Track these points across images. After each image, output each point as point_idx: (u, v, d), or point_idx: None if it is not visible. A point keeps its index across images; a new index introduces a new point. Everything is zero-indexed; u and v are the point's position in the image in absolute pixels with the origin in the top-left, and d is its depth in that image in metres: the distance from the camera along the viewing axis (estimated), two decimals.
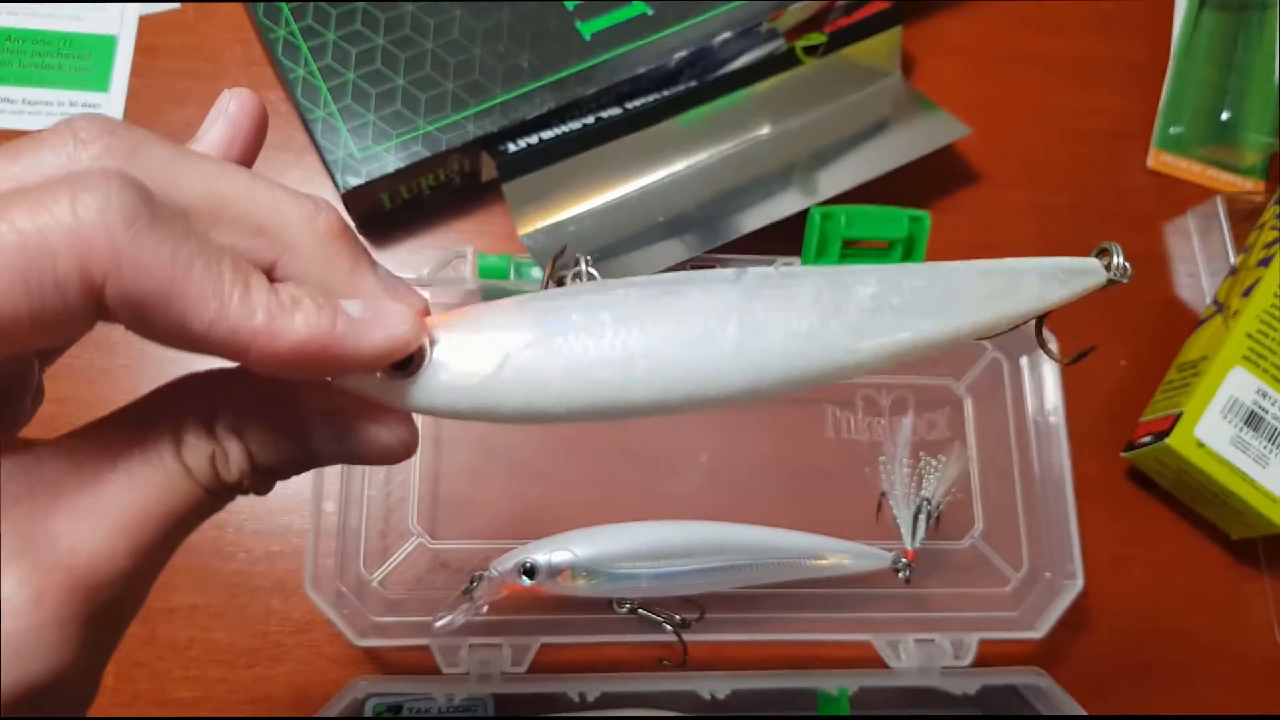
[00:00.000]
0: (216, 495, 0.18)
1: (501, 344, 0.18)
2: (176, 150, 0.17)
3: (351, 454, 0.19)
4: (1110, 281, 0.24)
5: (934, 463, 0.43)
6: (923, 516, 0.42)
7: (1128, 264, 0.23)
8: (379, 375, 0.18)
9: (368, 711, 0.38)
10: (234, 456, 0.18)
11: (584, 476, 0.42)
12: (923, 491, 0.42)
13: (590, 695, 0.38)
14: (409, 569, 0.40)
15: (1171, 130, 0.52)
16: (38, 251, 0.14)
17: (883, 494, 0.43)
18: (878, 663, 0.40)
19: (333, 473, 0.39)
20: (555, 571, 0.37)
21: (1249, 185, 0.51)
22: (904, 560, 0.41)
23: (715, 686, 0.38)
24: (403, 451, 0.19)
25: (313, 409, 0.19)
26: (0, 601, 0.15)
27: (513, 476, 0.42)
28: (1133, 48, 0.54)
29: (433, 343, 0.19)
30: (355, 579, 0.39)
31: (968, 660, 0.40)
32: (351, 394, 0.19)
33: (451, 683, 0.37)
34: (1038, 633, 0.41)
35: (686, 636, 0.39)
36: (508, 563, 0.37)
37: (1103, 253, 0.23)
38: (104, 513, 0.16)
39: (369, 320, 0.17)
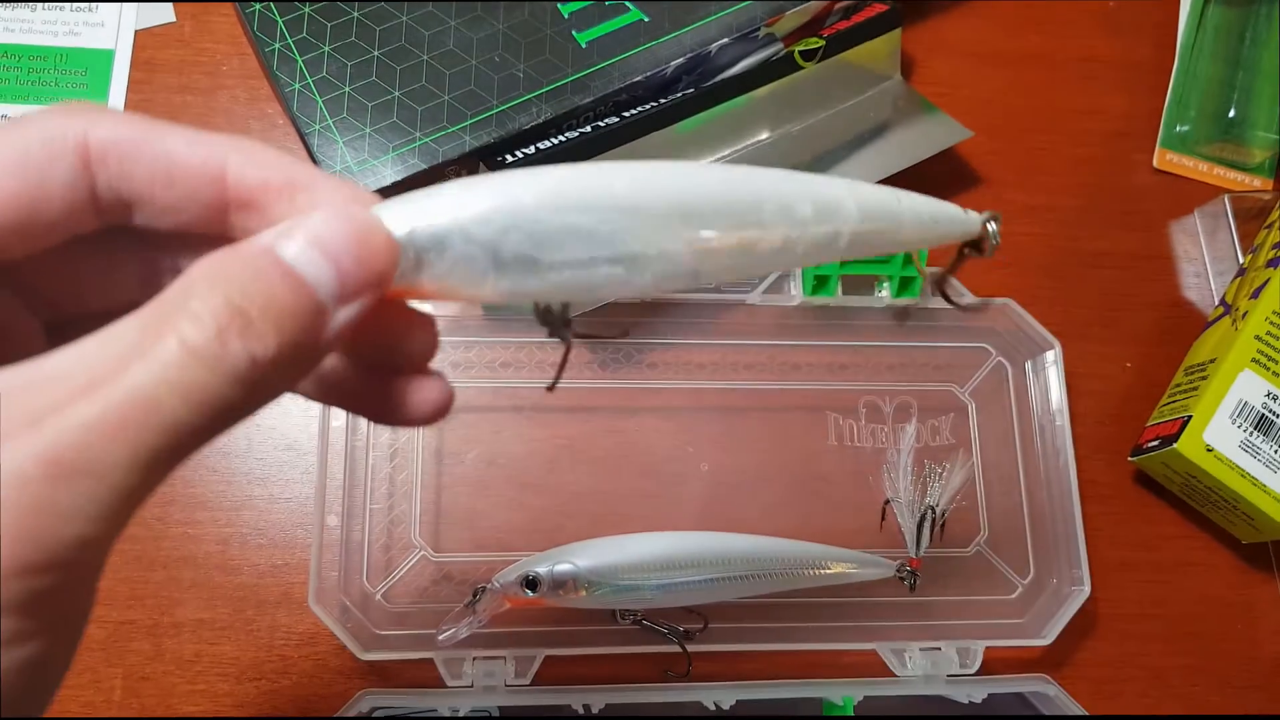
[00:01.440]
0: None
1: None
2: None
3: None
4: (970, 246, 0.27)
5: (938, 470, 0.42)
6: (927, 524, 0.41)
7: (996, 239, 0.26)
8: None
9: None
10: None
11: (586, 487, 0.42)
12: (927, 499, 0.42)
13: (595, 707, 0.38)
14: (412, 582, 0.40)
15: (1177, 129, 0.51)
16: (22, 136, 0.16)
17: (887, 501, 0.43)
18: (883, 671, 0.40)
19: (335, 486, 0.39)
20: (558, 583, 0.37)
21: (1257, 183, 0.51)
22: (909, 568, 0.41)
23: (720, 697, 0.38)
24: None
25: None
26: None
27: (514, 488, 0.42)
28: (1136, 45, 0.53)
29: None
30: (359, 592, 0.39)
31: (974, 668, 0.40)
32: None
33: (456, 695, 0.37)
34: (1045, 640, 0.41)
35: (690, 647, 0.39)
36: (510, 575, 0.37)
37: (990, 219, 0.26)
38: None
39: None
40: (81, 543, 0.14)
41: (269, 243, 0.16)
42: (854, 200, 0.23)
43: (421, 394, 0.21)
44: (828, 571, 0.40)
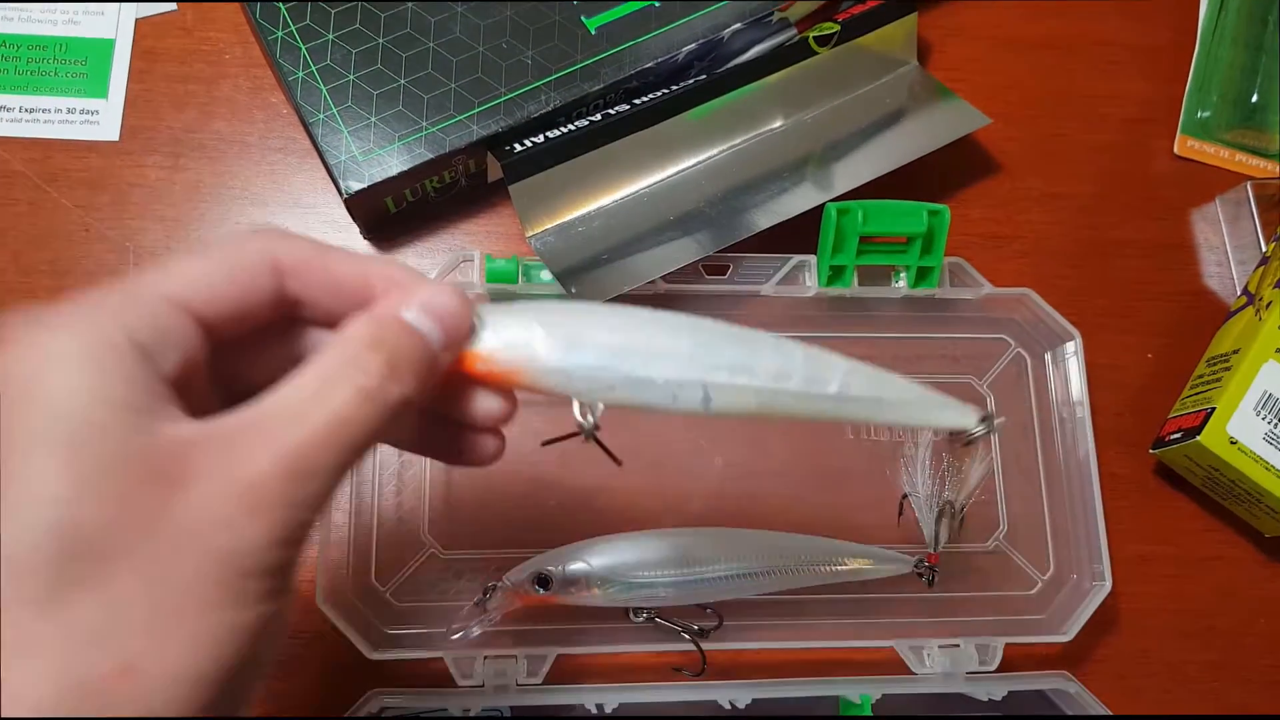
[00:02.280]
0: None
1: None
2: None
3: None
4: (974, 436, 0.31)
5: (956, 465, 0.41)
6: (946, 519, 0.40)
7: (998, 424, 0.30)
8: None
9: None
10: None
11: (597, 483, 0.41)
12: (945, 493, 0.41)
13: (608, 706, 0.37)
14: (422, 580, 0.39)
15: (1198, 114, 0.50)
16: (237, 254, 0.22)
17: (905, 496, 0.42)
18: (901, 669, 0.39)
19: (343, 483, 0.38)
20: (570, 581, 0.36)
21: (1279, 170, 0.50)
22: (927, 564, 0.40)
23: (735, 695, 0.37)
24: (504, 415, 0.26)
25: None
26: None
27: (525, 484, 0.41)
28: (1157, 30, 0.52)
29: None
30: (367, 590, 0.38)
31: (993, 665, 0.39)
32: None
33: (467, 695, 0.37)
34: (1065, 636, 0.40)
35: (705, 645, 0.39)
36: (521, 574, 0.37)
37: (984, 419, 0.28)
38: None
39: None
40: (307, 527, 0.20)
41: (396, 310, 0.23)
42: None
43: (480, 445, 0.27)
44: (844, 568, 0.39)
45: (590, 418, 0.26)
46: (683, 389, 0.25)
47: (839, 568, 0.39)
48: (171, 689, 0.18)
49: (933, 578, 0.40)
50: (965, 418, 0.28)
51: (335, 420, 0.20)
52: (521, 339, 0.24)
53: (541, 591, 0.36)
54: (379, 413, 0.21)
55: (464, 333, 0.24)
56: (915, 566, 0.40)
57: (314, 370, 0.21)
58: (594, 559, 0.36)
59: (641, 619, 0.38)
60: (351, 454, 0.21)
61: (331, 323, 0.23)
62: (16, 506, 0.18)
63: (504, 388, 0.26)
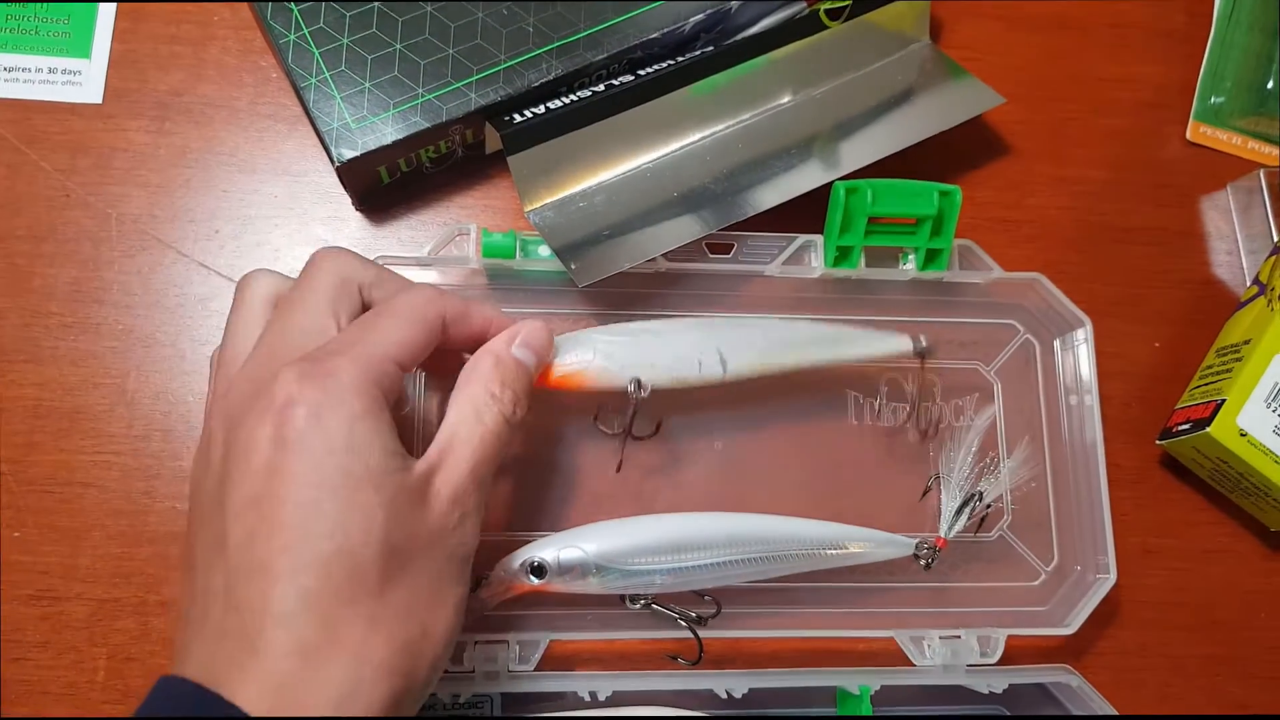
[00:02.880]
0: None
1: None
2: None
3: None
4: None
5: (1000, 461, 0.41)
6: (968, 509, 0.39)
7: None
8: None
9: None
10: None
11: (593, 466, 0.40)
12: (980, 485, 0.40)
13: (601, 693, 0.36)
14: None
15: (1211, 100, 0.49)
16: (425, 317, 0.31)
17: (936, 476, 0.41)
18: (901, 659, 0.39)
19: None
20: (565, 570, 0.35)
21: None
22: (929, 546, 0.39)
23: (731, 684, 0.36)
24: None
25: None
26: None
27: (520, 466, 0.40)
28: (1172, 13, 0.51)
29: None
30: None
31: (995, 657, 0.38)
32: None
33: (456, 681, 0.36)
34: (1069, 629, 0.39)
35: (702, 632, 0.38)
36: (514, 562, 0.35)
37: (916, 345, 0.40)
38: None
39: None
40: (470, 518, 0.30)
41: (509, 350, 0.33)
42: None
43: None
44: (844, 551, 0.38)
45: (642, 392, 0.37)
46: (706, 368, 0.38)
47: (839, 551, 0.38)
48: (442, 645, 0.28)
49: (932, 561, 0.39)
50: (902, 344, 0.40)
51: (493, 440, 0.30)
52: (584, 357, 0.36)
53: (536, 580, 0.35)
54: (512, 431, 0.31)
55: (549, 357, 0.35)
56: (915, 549, 0.39)
57: (470, 405, 0.30)
58: (589, 545, 0.35)
59: (638, 606, 0.37)
60: (500, 461, 0.31)
61: (451, 343, 0.32)
62: (353, 530, 0.26)
63: (576, 389, 0.36)
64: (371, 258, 0.38)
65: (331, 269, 0.31)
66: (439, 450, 0.29)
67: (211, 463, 0.28)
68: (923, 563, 0.39)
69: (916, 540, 0.39)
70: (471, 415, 0.30)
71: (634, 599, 0.37)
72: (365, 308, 0.32)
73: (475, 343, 0.33)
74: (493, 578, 0.35)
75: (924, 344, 0.40)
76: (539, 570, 0.35)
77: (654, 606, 0.37)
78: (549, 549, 0.35)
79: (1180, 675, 0.43)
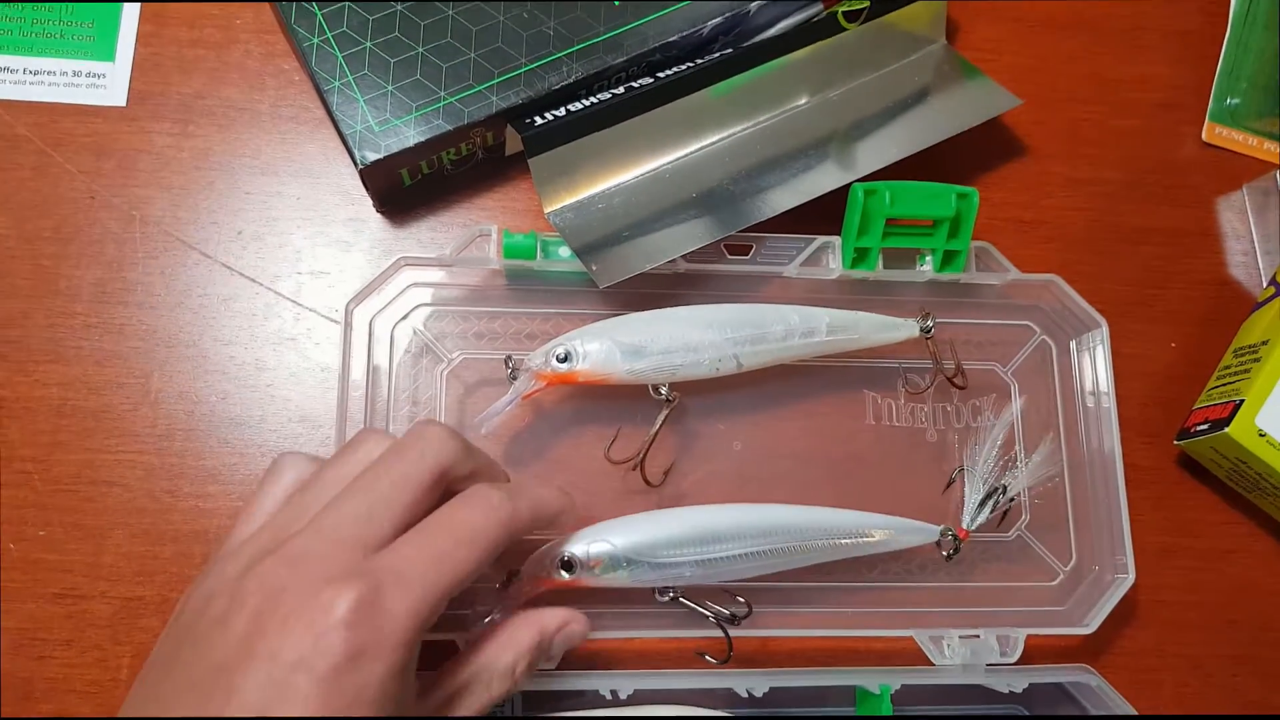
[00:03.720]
0: None
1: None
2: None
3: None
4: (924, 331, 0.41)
5: (1019, 458, 0.41)
6: (991, 501, 0.39)
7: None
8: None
9: None
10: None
11: (610, 467, 0.40)
12: (1005, 479, 0.40)
13: (622, 692, 0.36)
14: None
15: (1227, 101, 0.49)
16: (505, 531, 0.30)
17: (960, 469, 0.41)
18: (921, 659, 0.39)
19: None
20: (593, 563, 0.35)
21: None
22: (953, 535, 0.39)
23: (753, 684, 0.37)
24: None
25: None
26: None
27: (539, 464, 0.40)
28: (1187, 14, 0.51)
29: None
30: None
31: (1014, 656, 0.39)
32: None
33: None
34: (1087, 628, 0.39)
35: (731, 632, 0.38)
36: (545, 557, 0.36)
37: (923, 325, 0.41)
38: None
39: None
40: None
41: (554, 633, 0.33)
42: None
43: None
44: (869, 540, 0.38)
45: (663, 392, 0.38)
46: (721, 363, 0.39)
47: (863, 540, 0.38)
48: None
49: (955, 552, 0.39)
50: (910, 329, 0.41)
51: (504, 692, 0.31)
52: (606, 359, 0.37)
53: (566, 576, 0.35)
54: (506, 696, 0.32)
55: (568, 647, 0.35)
56: (941, 536, 0.39)
57: (494, 669, 0.31)
58: (617, 539, 0.35)
59: (667, 599, 0.37)
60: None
61: None
62: None
63: (601, 385, 0.38)
64: (393, 259, 0.39)
65: (435, 455, 0.29)
66: (455, 687, 0.30)
67: (213, 599, 0.27)
68: (945, 553, 0.39)
69: (941, 528, 0.39)
70: (489, 678, 0.31)
71: (663, 592, 0.37)
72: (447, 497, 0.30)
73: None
74: (523, 573, 0.35)
75: (929, 322, 0.41)
76: (569, 565, 0.35)
77: (682, 600, 0.37)
78: (578, 544, 0.35)
79: (1199, 675, 0.43)
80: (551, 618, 0.33)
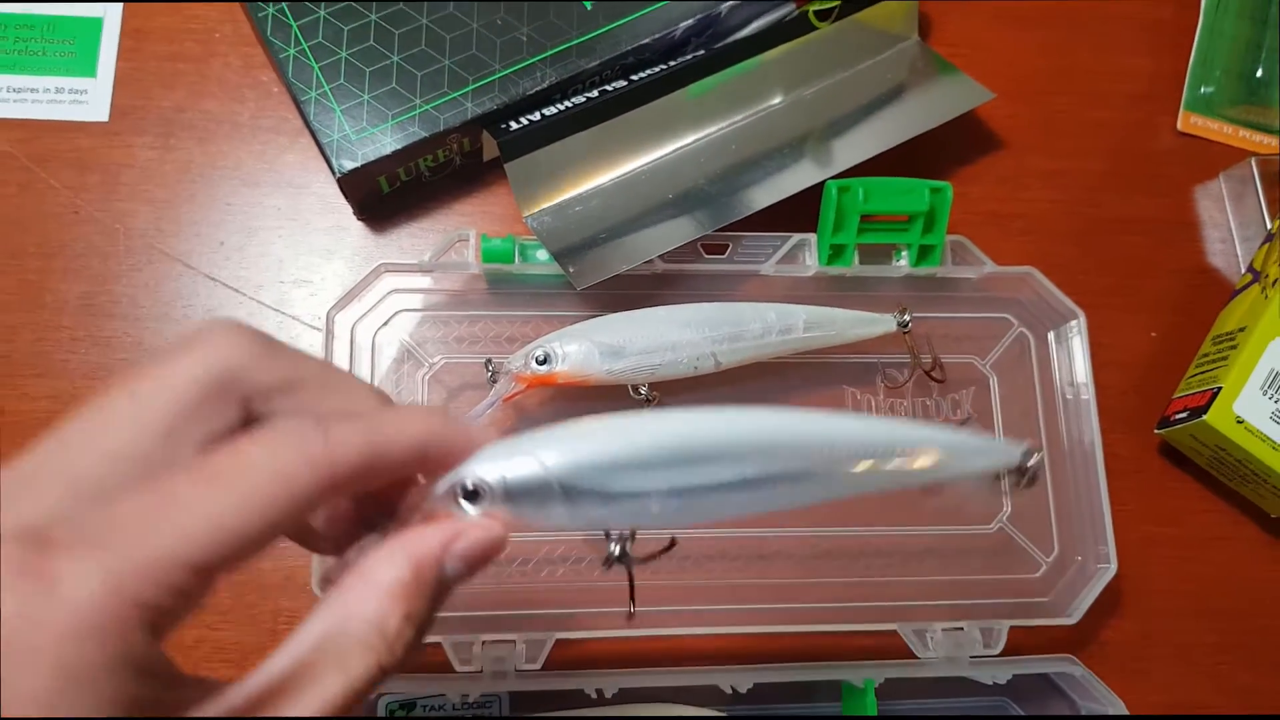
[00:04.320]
0: None
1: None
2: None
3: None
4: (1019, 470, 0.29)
5: None
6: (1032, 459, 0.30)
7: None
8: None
9: (381, 710, 0.37)
10: None
11: None
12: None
13: (608, 691, 0.36)
14: None
15: (1201, 90, 0.50)
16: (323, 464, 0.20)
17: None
18: (905, 652, 0.39)
19: None
20: (515, 494, 0.22)
21: None
22: (1036, 453, 0.29)
23: (736, 680, 0.37)
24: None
25: None
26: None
27: None
28: (1159, 4, 0.51)
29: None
30: None
31: (998, 648, 0.39)
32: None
33: (465, 680, 0.36)
34: (1070, 619, 0.39)
35: (702, 629, 0.38)
36: (440, 487, 0.23)
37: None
38: None
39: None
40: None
41: (437, 555, 0.21)
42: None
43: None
44: (921, 464, 0.26)
45: (643, 392, 0.38)
46: (699, 361, 0.39)
47: (911, 465, 0.26)
48: None
49: (1036, 472, 0.29)
50: (887, 324, 0.41)
51: (352, 698, 0.19)
52: (585, 360, 0.36)
53: (470, 510, 0.22)
54: (383, 682, 0.20)
55: (482, 566, 0.22)
56: (1024, 457, 0.28)
57: (349, 637, 0.19)
58: (550, 456, 0.22)
59: (615, 550, 0.27)
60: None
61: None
62: None
63: (580, 386, 0.37)
64: (373, 265, 0.39)
65: (205, 360, 0.20)
66: (269, 690, 0.18)
67: None
68: (1023, 480, 0.29)
69: (1023, 446, 0.29)
70: (340, 650, 0.19)
71: (616, 540, 0.26)
72: (251, 422, 0.21)
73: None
74: (401, 512, 0.23)
75: (906, 317, 0.41)
76: (473, 495, 0.22)
77: (623, 553, 0.27)
78: (490, 463, 0.22)
79: (1185, 663, 0.43)
80: (426, 538, 0.21)
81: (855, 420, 0.27)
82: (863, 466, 0.26)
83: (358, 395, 0.23)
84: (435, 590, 0.21)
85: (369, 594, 0.20)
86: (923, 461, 0.26)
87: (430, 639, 0.37)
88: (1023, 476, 0.29)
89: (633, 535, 0.26)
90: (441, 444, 0.22)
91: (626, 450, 0.23)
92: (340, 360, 0.39)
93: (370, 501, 0.24)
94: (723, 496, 0.24)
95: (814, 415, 0.26)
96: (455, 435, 0.22)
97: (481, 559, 0.22)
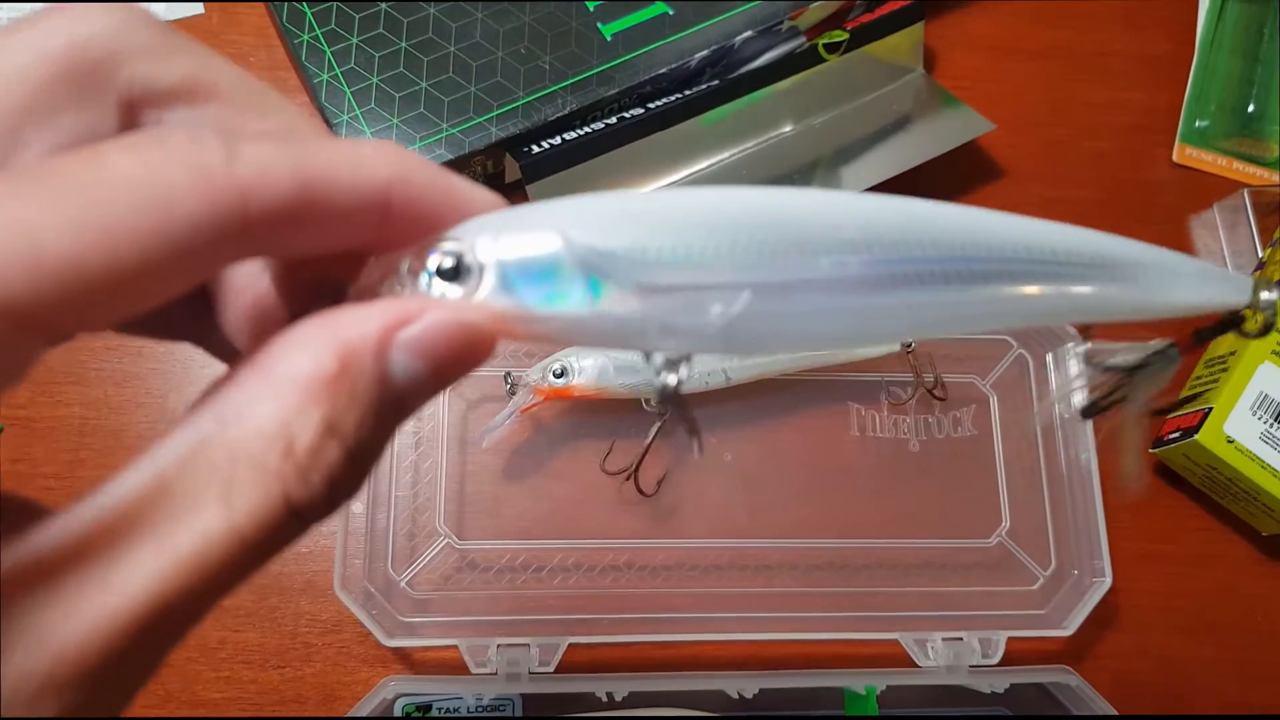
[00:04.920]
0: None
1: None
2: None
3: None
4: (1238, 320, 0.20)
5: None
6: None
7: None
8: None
9: (397, 711, 0.39)
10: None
11: (608, 477, 0.42)
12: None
13: (618, 695, 0.38)
14: (436, 569, 0.40)
15: (1196, 123, 0.51)
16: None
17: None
18: (906, 661, 0.40)
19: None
20: (522, 276, 0.15)
21: (1275, 178, 0.51)
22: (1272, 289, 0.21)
23: (743, 685, 0.38)
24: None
25: None
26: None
27: (539, 477, 0.42)
28: (1156, 40, 0.53)
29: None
30: (383, 579, 0.39)
31: (996, 658, 0.40)
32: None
33: (480, 682, 0.38)
34: (1066, 631, 0.41)
35: (712, 636, 0.39)
36: (413, 254, 0.16)
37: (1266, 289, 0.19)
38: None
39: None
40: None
41: (379, 341, 0.14)
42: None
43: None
44: (1100, 291, 0.19)
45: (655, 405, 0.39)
46: (710, 377, 0.40)
47: (1079, 288, 0.19)
48: None
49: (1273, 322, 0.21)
50: (891, 344, 0.42)
51: (238, 547, 0.13)
52: (600, 374, 0.37)
53: (456, 291, 0.15)
54: (302, 526, 0.14)
55: (470, 366, 0.15)
56: (1255, 293, 0.21)
57: (202, 481, 0.13)
58: (576, 226, 0.15)
59: (657, 410, 0.25)
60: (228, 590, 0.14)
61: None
62: None
63: (596, 399, 0.37)
64: None
65: (66, 30, 0.14)
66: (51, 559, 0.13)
67: None
68: (1262, 320, 0.21)
69: (1253, 279, 0.21)
70: (218, 475, 0.13)
71: (671, 367, 0.16)
72: (132, 109, 0.15)
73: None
74: (353, 293, 0.16)
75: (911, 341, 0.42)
76: (457, 272, 0.15)
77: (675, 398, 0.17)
78: (487, 230, 0.15)
79: (1179, 676, 0.44)
80: (363, 317, 0.14)
81: (1016, 219, 0.18)
82: (1025, 283, 0.18)
83: (296, 122, 0.16)
84: (376, 395, 0.14)
85: (268, 390, 0.13)
86: (1106, 285, 0.19)
87: (447, 642, 0.38)
88: (1256, 312, 0.21)
89: (688, 357, 0.16)
90: (414, 194, 0.15)
91: (692, 224, 0.16)
92: None
93: (307, 288, 0.16)
94: (814, 298, 0.16)
95: (954, 208, 0.18)
96: (436, 185, 0.15)
97: (448, 356, 0.14)
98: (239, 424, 0.13)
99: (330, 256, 0.15)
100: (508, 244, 0.15)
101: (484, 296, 0.15)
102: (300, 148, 0.14)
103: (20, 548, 0.12)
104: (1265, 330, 0.21)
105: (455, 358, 0.15)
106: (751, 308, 0.15)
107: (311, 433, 0.13)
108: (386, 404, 0.14)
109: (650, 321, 0.15)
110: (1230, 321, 0.20)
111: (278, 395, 0.13)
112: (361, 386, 0.14)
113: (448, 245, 0.15)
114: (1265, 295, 0.20)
